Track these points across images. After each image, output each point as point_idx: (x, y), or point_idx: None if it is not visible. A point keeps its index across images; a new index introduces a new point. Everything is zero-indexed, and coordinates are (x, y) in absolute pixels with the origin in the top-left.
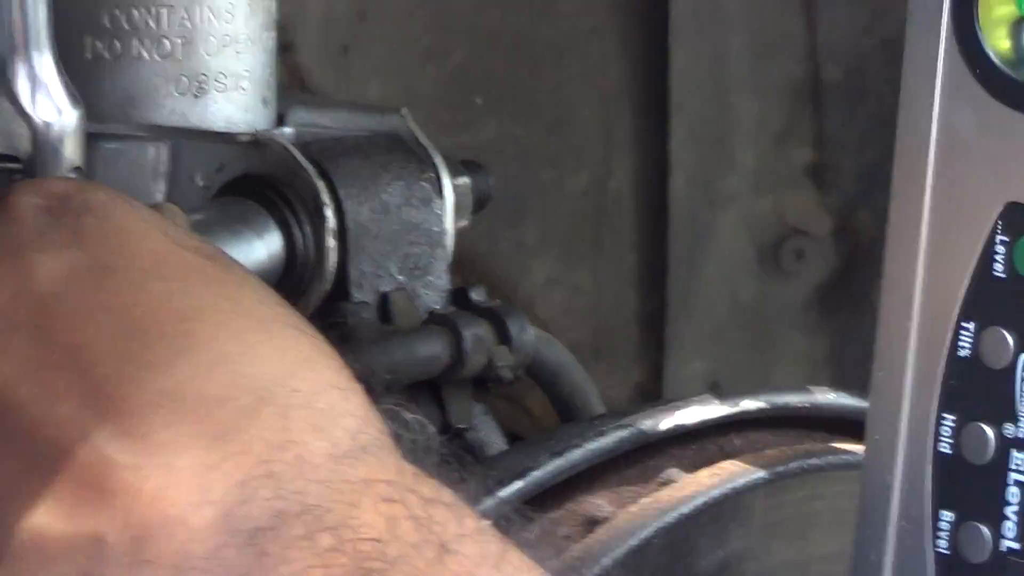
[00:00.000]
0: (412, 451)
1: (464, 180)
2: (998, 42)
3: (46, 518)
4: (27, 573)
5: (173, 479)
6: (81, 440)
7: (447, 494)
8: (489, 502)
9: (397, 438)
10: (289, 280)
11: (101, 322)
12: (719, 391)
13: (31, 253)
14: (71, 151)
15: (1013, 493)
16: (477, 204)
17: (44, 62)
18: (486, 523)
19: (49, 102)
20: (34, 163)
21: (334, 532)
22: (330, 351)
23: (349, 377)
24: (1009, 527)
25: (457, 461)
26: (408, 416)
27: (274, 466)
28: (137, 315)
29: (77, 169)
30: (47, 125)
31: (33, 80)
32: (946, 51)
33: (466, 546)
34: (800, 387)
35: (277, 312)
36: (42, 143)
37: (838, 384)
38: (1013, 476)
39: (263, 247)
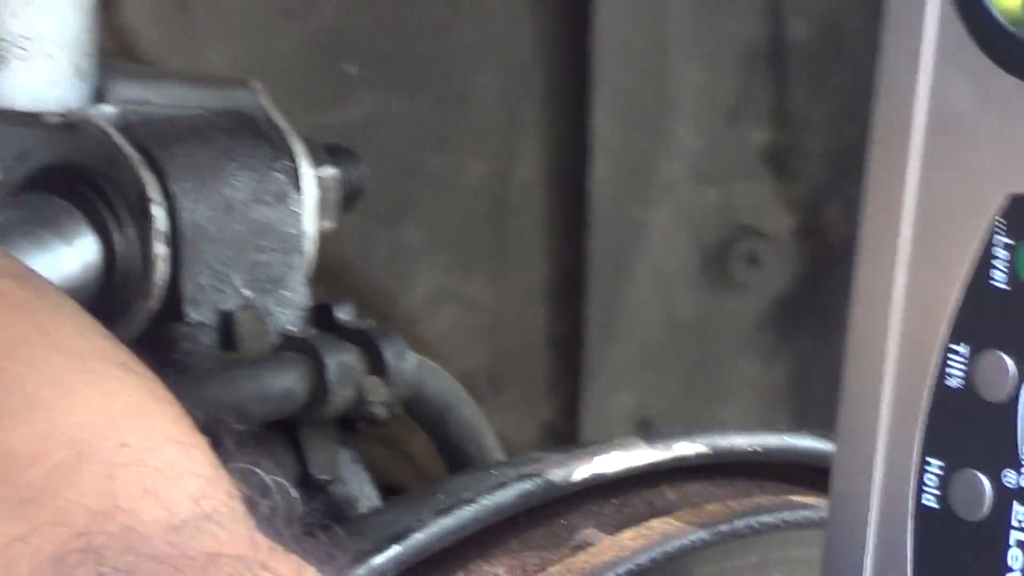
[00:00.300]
0: (269, 520)
1: (330, 170)
2: None
3: None
4: None
5: None
6: None
7: (310, 574)
8: (360, 570)
9: (251, 504)
10: (108, 297)
11: None
12: (649, 431)
13: None
14: None
15: (1015, 556)
16: (346, 199)
17: None
18: None
19: None
20: None
21: None
22: (166, 395)
23: (190, 427)
24: None
25: (324, 532)
26: (266, 477)
27: (95, 539)
28: None
29: None
30: None
31: None
32: (938, 6)
33: None
34: (751, 426)
35: (101, 346)
36: None
37: (799, 422)
38: (1015, 535)
39: (75, 257)
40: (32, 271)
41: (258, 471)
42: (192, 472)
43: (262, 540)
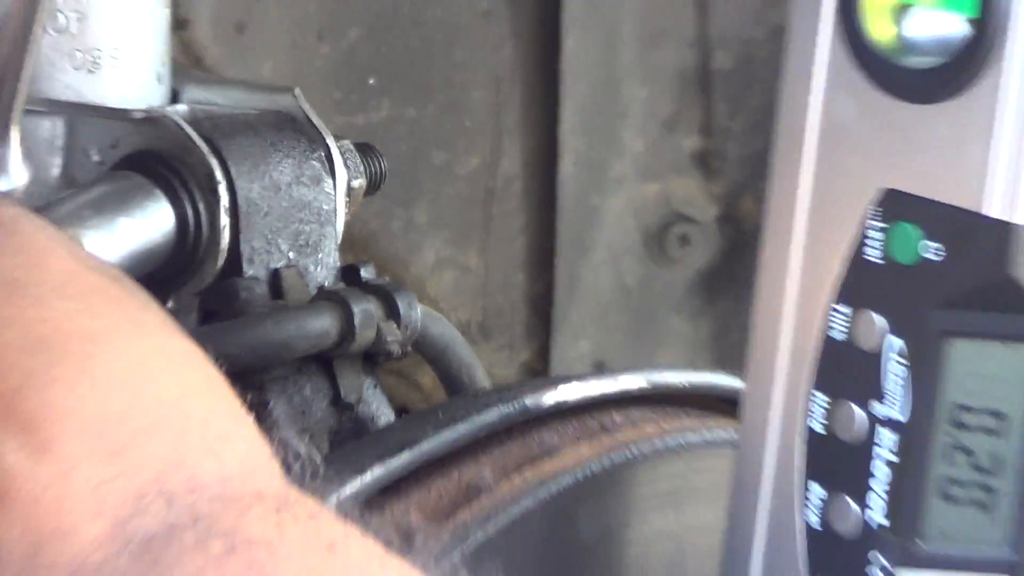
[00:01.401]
0: (299, 480)
1: (356, 161)
2: (880, 29)
3: None
4: None
5: (70, 491)
6: None
7: (329, 510)
8: (379, 469)
9: (286, 467)
10: (182, 257)
11: (7, 336)
12: (602, 370)
13: None
14: None
15: (879, 470)
16: (370, 185)
17: None
18: (368, 533)
19: None
20: None
21: (225, 538)
22: (222, 380)
23: (239, 405)
24: (876, 503)
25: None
26: (298, 447)
27: (166, 484)
28: (44, 332)
29: None
30: None
31: None
32: (828, 38)
33: (352, 546)
34: (682, 367)
35: (175, 337)
36: None
37: (717, 365)
38: (880, 453)
39: (154, 224)
40: (125, 275)
41: (291, 442)
42: (242, 438)
43: (292, 488)
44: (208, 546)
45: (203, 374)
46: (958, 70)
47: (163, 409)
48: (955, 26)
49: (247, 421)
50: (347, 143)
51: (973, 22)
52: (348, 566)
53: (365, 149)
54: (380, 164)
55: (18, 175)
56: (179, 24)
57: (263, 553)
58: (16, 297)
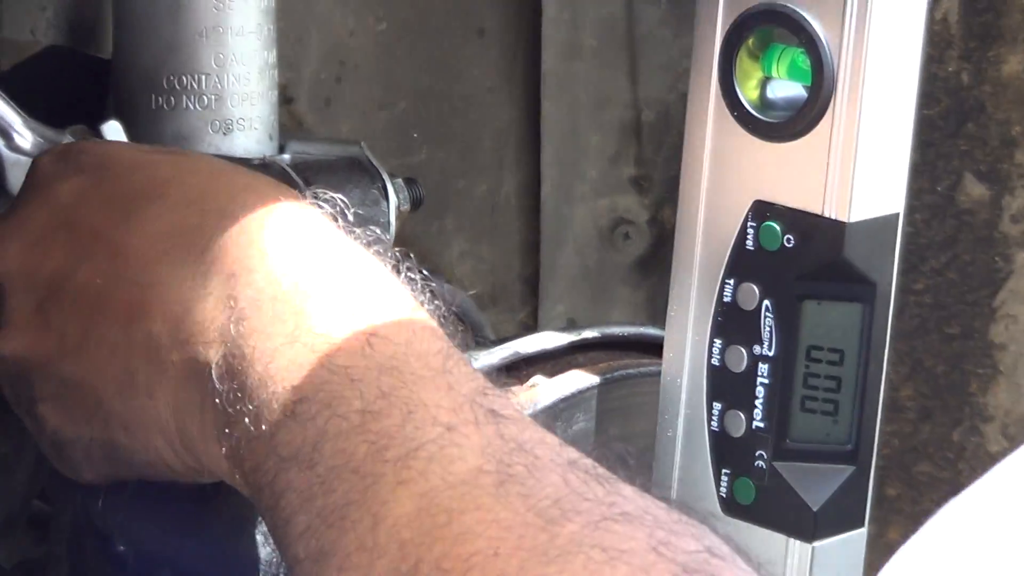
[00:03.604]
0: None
1: (403, 190)
2: (749, 93)
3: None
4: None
5: (184, 282)
6: (116, 278)
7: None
8: None
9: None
10: None
11: (106, 207)
12: (573, 326)
13: (53, 183)
14: None
15: (759, 391)
16: (413, 205)
17: None
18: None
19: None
20: None
21: (294, 316)
22: (267, 178)
23: (287, 189)
24: (757, 413)
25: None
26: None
27: (249, 263)
28: (129, 188)
29: (81, 129)
30: None
31: None
32: (715, 99)
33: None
34: (625, 323)
35: (226, 164)
36: None
37: (653, 321)
38: (759, 379)
39: None
40: (183, 151)
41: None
42: (301, 215)
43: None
44: (284, 320)
45: (247, 177)
46: (801, 120)
47: (222, 209)
48: (798, 91)
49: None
50: (399, 180)
51: (809, 89)
52: (385, 350)
53: (410, 182)
54: (420, 192)
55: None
56: (286, 100)
57: (323, 332)
58: (105, 183)
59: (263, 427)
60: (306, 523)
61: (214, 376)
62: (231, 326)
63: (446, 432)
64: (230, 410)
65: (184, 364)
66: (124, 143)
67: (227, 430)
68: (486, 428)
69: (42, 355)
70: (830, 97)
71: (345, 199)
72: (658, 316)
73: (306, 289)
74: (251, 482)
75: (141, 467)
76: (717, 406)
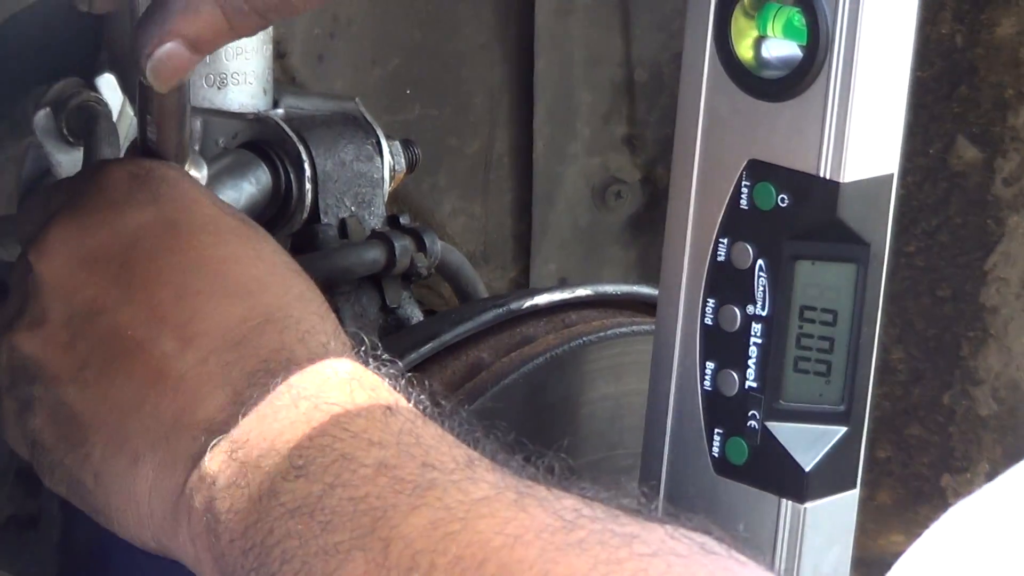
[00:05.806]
0: (363, 361)
1: (398, 148)
2: (744, 52)
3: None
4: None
5: (205, 371)
6: (150, 339)
7: (385, 383)
8: (412, 354)
9: (356, 348)
10: (279, 210)
11: (167, 260)
12: (565, 284)
13: (123, 207)
14: None
15: (752, 351)
16: (408, 164)
17: None
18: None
19: None
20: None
21: (311, 399)
22: (315, 288)
23: (327, 308)
24: (750, 373)
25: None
26: (364, 338)
27: (271, 364)
28: (192, 257)
29: (75, 82)
30: None
31: None
32: (710, 58)
33: (403, 409)
34: (619, 281)
35: (284, 260)
36: None
37: (643, 280)
38: (752, 339)
39: (259, 187)
40: (250, 219)
41: (360, 334)
42: (325, 332)
43: (359, 366)
44: (298, 405)
45: (301, 285)
46: (796, 80)
47: (272, 312)
48: (793, 50)
49: (331, 318)
50: (397, 143)
51: (804, 48)
52: (401, 423)
53: (407, 143)
54: (416, 153)
55: (200, 174)
56: (279, 55)
57: (338, 410)
58: (173, 232)
59: (265, 486)
60: (302, 562)
61: (205, 461)
62: (238, 417)
63: (465, 468)
64: (222, 491)
65: (177, 449)
66: (204, 189)
67: (211, 512)
68: (502, 470)
69: (56, 369)
70: (825, 56)
71: (366, 338)
72: (649, 276)
73: (326, 410)
74: (232, 549)
75: (96, 512)
76: (710, 365)
